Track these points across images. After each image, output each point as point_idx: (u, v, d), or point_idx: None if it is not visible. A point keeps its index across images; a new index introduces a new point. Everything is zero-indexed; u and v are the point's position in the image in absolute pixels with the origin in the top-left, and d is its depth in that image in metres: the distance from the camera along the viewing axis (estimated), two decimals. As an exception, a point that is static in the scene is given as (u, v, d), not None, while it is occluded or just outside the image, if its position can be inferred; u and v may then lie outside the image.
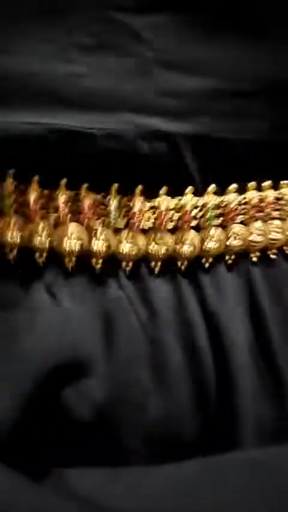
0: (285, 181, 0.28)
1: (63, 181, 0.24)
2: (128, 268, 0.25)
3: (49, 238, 0.24)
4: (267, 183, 0.27)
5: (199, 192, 0.26)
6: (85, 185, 0.24)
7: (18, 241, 0.24)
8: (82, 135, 0.24)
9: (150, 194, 0.25)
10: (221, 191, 0.26)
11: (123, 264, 0.25)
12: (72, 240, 0.24)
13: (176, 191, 0.25)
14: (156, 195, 0.25)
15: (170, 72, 0.24)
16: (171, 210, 0.25)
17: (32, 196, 0.24)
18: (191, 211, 0.25)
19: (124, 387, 0.26)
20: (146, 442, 0.27)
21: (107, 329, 0.26)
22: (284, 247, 0.29)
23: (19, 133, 0.23)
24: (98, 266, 0.25)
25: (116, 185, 0.24)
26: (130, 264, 0.25)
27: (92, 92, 0.24)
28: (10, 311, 0.25)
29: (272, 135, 0.26)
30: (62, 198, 0.24)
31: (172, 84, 0.24)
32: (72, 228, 0.24)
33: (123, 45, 0.23)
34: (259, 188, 0.27)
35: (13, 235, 0.24)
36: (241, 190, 0.27)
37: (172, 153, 0.25)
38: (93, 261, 0.25)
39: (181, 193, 0.25)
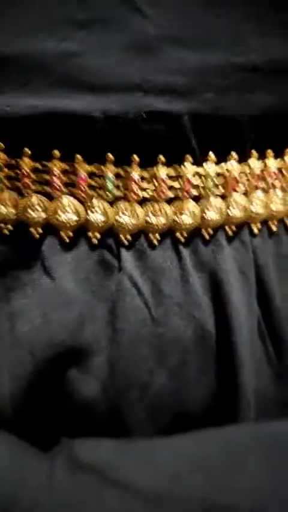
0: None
1: (56, 152, 0.23)
2: (126, 242, 0.25)
3: (44, 212, 0.24)
4: (269, 152, 0.27)
5: (198, 163, 0.25)
6: (79, 156, 0.23)
7: (13, 216, 0.24)
8: (81, 118, 0.23)
9: (147, 165, 0.24)
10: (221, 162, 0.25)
11: (122, 236, 0.25)
12: (67, 212, 0.24)
13: (174, 162, 0.24)
14: (153, 166, 0.24)
15: (173, 48, 0.23)
16: (169, 178, 0.24)
17: (24, 169, 0.23)
18: (190, 179, 0.24)
19: (128, 366, 0.26)
20: (150, 417, 0.26)
21: (110, 310, 0.25)
22: (285, 219, 0.29)
23: (16, 116, 0.22)
24: (95, 240, 0.25)
25: (110, 155, 0.23)
26: (128, 236, 0.25)
27: (88, 71, 0.23)
28: (9, 293, 0.25)
29: (280, 109, 0.25)
30: (55, 170, 0.23)
31: (176, 61, 0.23)
32: (67, 200, 0.24)
33: (122, 20, 0.22)
34: (262, 158, 0.27)
35: (7, 210, 0.23)
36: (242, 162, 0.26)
37: (174, 133, 0.24)
38: (90, 234, 0.24)
39: (180, 164, 0.24)
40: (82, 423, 0.26)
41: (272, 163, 0.26)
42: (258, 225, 0.27)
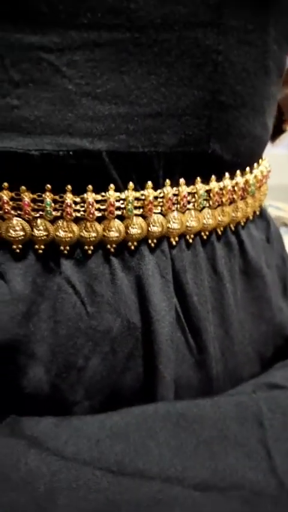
0: (199, 178, 0.34)
1: (5, 184, 0.29)
2: (65, 252, 0.31)
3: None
4: (182, 181, 0.33)
5: (121, 190, 0.31)
6: (23, 187, 0.29)
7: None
8: (22, 156, 0.28)
9: (79, 192, 0.30)
10: (140, 189, 0.32)
11: (61, 248, 0.31)
12: (16, 230, 0.30)
13: (101, 190, 0.31)
14: (83, 193, 0.30)
15: (89, 101, 0.28)
16: (97, 202, 0.31)
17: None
18: (114, 203, 0.31)
19: (67, 352, 0.31)
20: (86, 395, 0.32)
21: (52, 306, 0.31)
22: (202, 233, 0.35)
23: None
24: (41, 251, 0.31)
25: (48, 185, 0.29)
26: (67, 247, 0.31)
27: (26, 120, 0.28)
28: None
29: (183, 146, 0.31)
30: (4, 198, 0.29)
31: (92, 111, 0.28)
32: (16, 221, 0.30)
33: (49, 79, 0.27)
34: (176, 185, 0.33)
35: None
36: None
37: (97, 166, 0.29)
38: (37, 246, 0.31)
39: (105, 191, 0.31)
40: (29, 403, 0.31)
41: (184, 189, 0.33)
42: (176, 238, 0.34)
